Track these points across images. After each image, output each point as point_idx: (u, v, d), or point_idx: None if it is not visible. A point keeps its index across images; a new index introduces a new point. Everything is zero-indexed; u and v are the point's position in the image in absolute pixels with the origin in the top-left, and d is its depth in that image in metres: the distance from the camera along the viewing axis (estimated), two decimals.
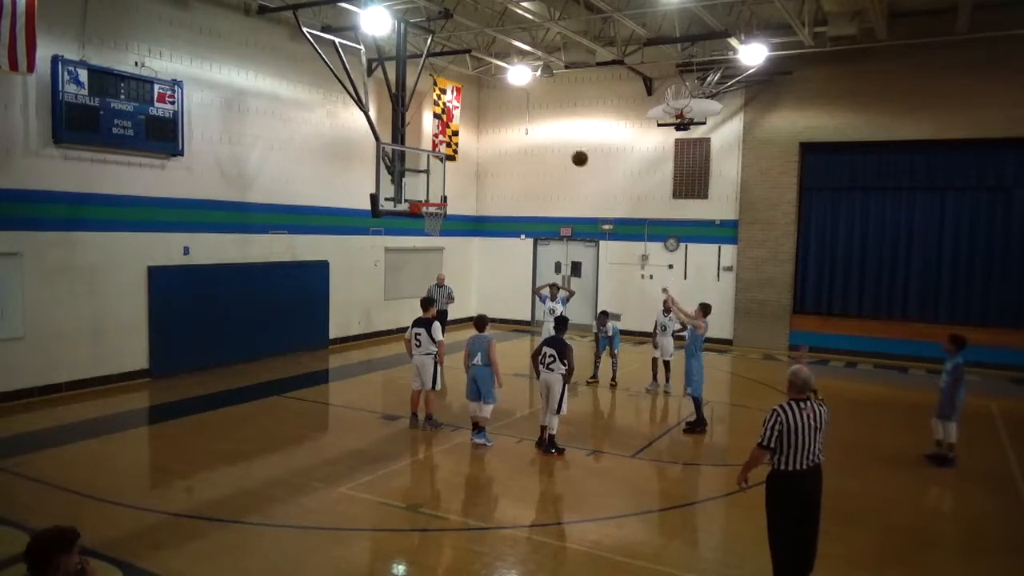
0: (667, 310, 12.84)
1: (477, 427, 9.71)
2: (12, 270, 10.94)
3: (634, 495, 8.30)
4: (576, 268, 20.60)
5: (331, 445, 10.06)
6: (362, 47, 14.28)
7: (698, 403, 10.67)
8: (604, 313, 13.80)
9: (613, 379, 13.56)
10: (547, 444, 9.38)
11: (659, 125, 17.60)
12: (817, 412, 5.55)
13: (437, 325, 10.24)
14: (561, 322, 9.87)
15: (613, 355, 13.62)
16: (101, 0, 11.75)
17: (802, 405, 5.52)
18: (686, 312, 11.30)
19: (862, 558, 6.64)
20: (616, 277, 19.76)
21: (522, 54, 17.70)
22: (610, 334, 13.56)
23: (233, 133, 14.16)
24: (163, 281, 12.89)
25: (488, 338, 9.68)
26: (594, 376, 13.77)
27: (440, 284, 16.42)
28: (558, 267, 20.75)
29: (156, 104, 12.42)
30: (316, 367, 14.93)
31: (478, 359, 9.58)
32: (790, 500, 5.51)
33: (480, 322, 9.98)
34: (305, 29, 13.23)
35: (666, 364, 13.09)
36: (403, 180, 13.36)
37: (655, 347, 13.21)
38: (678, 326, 12.78)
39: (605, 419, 12.11)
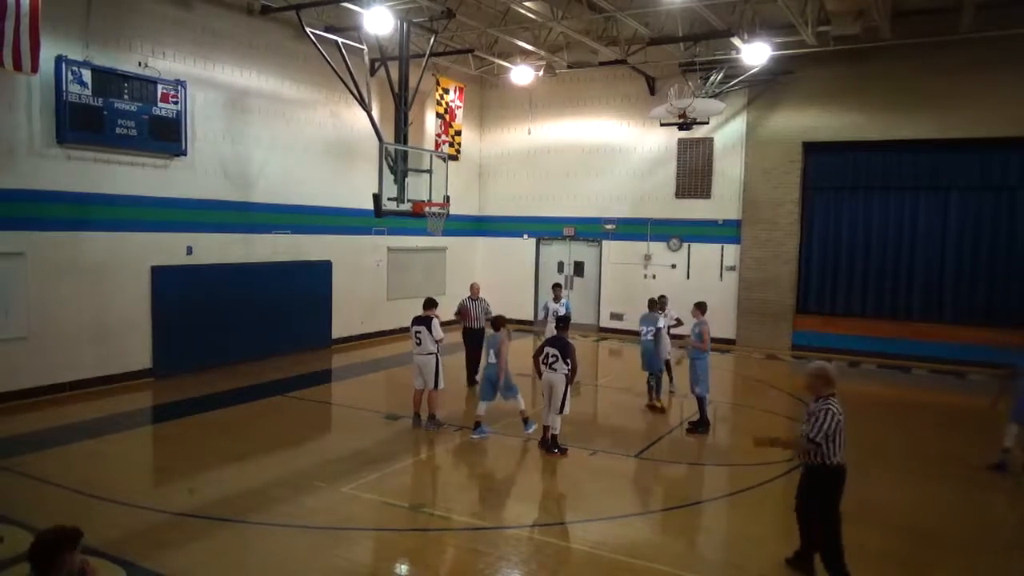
0: (662, 308, 12.70)
1: (477, 424, 9.92)
2: (16, 270, 10.96)
3: (637, 495, 8.30)
4: (579, 268, 20.60)
5: (334, 445, 10.08)
6: (365, 47, 14.29)
7: (702, 403, 10.65)
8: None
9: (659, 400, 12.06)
10: (550, 444, 9.38)
11: (662, 125, 17.58)
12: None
13: (437, 323, 10.23)
14: (563, 321, 9.88)
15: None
16: (105, 0, 11.78)
17: (837, 400, 5.88)
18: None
19: (864, 558, 6.62)
20: (619, 277, 19.74)
21: (525, 54, 17.69)
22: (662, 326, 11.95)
23: (236, 133, 14.17)
24: (166, 281, 12.91)
25: (499, 336, 9.93)
26: (659, 398, 11.89)
27: (474, 297, 13.22)
28: (561, 267, 20.74)
29: (159, 104, 12.44)
30: (319, 367, 14.95)
31: (492, 358, 9.83)
32: (840, 490, 5.91)
33: (496, 322, 10.29)
34: (308, 29, 13.24)
35: (666, 363, 13.01)
36: (406, 180, 13.36)
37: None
38: (673, 323, 12.75)
39: (607, 419, 12.09)
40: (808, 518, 6.13)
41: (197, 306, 13.37)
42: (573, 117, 20.15)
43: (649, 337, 11.83)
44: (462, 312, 13.18)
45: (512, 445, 9.80)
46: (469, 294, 13.35)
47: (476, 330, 12.92)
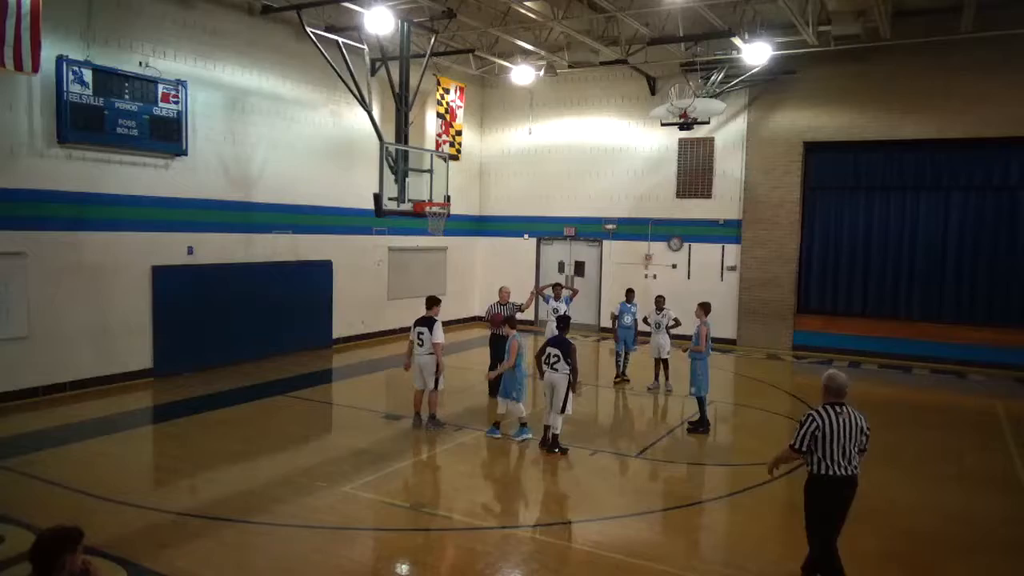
0: (659, 308, 12.94)
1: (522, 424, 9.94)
2: (17, 270, 10.96)
3: (637, 495, 8.30)
4: (580, 268, 20.60)
5: (335, 445, 10.08)
6: (366, 47, 14.30)
7: (702, 403, 10.66)
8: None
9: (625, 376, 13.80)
10: (551, 444, 9.39)
11: (663, 125, 17.55)
12: (853, 418, 5.54)
13: (438, 325, 10.22)
14: (563, 321, 9.87)
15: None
16: (106, 0, 11.78)
17: (838, 410, 5.55)
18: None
19: (865, 558, 6.62)
20: (620, 277, 19.71)
21: (525, 54, 17.70)
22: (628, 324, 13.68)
23: (237, 133, 14.18)
24: (167, 281, 12.91)
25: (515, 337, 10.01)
26: (622, 375, 13.76)
27: (503, 303, 12.24)
28: (561, 267, 20.74)
29: (160, 104, 12.44)
30: (320, 367, 14.95)
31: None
32: (826, 504, 5.59)
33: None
34: (309, 29, 13.24)
35: (664, 362, 13.04)
36: (406, 180, 13.37)
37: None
38: (671, 322, 12.85)
39: (608, 419, 12.10)
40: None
41: (198, 306, 13.38)
42: (574, 117, 20.15)
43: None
44: (510, 319, 11.85)
45: (512, 445, 9.80)
46: (499, 299, 12.41)
47: (503, 338, 12.16)
